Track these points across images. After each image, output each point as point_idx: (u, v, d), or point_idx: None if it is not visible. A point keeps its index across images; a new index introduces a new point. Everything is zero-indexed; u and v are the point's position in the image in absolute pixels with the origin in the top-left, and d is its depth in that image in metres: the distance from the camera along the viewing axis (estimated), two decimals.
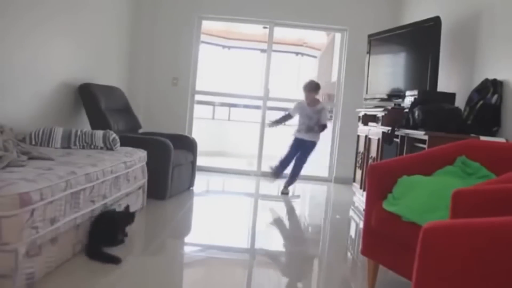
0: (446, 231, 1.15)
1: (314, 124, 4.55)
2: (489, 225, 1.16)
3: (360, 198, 4.04)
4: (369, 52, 4.53)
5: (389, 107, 3.59)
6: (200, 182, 4.75)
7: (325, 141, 5.44)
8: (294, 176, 4.67)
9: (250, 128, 6.45)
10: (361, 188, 4.10)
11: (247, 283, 2.34)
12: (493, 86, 2.86)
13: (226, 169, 5.72)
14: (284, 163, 4.69)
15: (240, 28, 9.22)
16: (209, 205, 4.19)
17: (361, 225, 2.88)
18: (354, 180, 4.53)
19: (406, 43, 3.94)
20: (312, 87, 4.62)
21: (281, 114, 4.86)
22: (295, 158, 4.67)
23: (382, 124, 3.58)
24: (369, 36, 4.53)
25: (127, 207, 2.69)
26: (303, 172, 4.74)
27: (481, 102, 2.88)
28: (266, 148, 5.63)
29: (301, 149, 4.65)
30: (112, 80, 4.53)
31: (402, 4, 5.11)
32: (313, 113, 4.58)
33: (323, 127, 4.57)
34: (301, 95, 4.73)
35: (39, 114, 3.34)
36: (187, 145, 4.30)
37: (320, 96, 4.84)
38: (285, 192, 4.62)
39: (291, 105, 4.83)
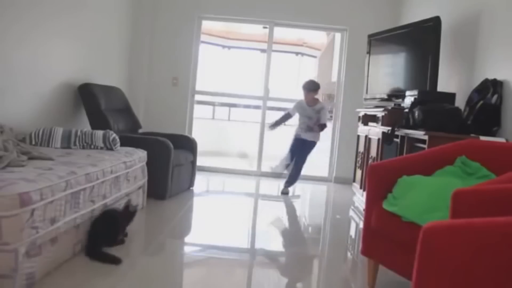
0: (446, 231, 1.15)
1: (314, 124, 4.54)
2: (489, 225, 1.16)
3: (360, 198, 4.04)
4: (369, 52, 4.54)
5: (389, 107, 3.59)
6: (200, 182, 4.75)
7: (325, 141, 5.44)
8: (294, 176, 4.67)
9: (250, 128, 6.45)
10: (361, 188, 4.10)
11: (247, 283, 2.34)
12: (493, 86, 2.86)
13: (226, 169, 5.73)
14: (284, 163, 4.72)
15: (240, 28, 9.21)
16: (209, 205, 4.19)
17: (361, 225, 2.88)
18: (354, 180, 4.53)
19: (406, 43, 3.94)
20: (311, 87, 4.60)
21: (281, 114, 4.86)
22: (295, 158, 4.67)
23: (382, 124, 3.58)
24: (369, 36, 4.53)
25: (127, 206, 2.65)
26: (303, 172, 4.74)
27: (481, 102, 2.88)
28: (266, 148, 5.63)
29: (301, 149, 4.65)
30: (112, 80, 4.53)
31: (402, 4, 5.11)
32: (312, 112, 4.57)
33: (323, 126, 4.55)
34: (301, 95, 4.73)
35: (39, 114, 3.34)
36: (187, 145, 4.30)
37: (319, 96, 4.84)
38: (285, 192, 4.61)
39: (291, 105, 4.83)
